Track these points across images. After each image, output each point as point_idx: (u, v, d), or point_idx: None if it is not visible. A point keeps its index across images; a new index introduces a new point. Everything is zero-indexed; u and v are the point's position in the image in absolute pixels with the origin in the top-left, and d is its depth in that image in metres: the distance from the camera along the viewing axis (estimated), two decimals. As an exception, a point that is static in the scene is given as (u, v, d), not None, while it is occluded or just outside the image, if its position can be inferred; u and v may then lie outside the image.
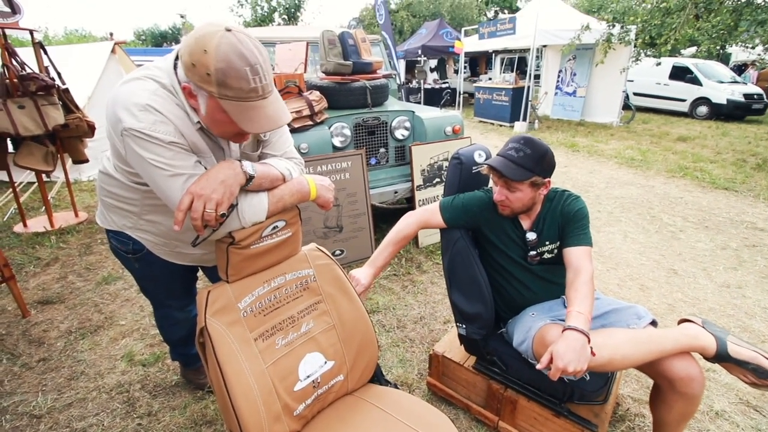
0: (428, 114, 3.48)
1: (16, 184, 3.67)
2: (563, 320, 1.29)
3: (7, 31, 3.38)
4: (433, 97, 12.81)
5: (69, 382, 2.00)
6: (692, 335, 1.22)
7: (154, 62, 1.05)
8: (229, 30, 0.87)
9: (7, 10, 3.32)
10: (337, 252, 3.06)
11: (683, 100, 10.59)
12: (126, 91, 0.96)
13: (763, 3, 6.23)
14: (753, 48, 8.51)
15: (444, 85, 13.79)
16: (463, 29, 11.83)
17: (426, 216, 1.59)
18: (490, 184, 1.64)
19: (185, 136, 1.00)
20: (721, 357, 1.19)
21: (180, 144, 0.98)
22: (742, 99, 9.71)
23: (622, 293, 2.76)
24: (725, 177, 5.29)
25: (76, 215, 4.04)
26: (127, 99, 0.94)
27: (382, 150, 3.39)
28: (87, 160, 3.87)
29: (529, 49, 8.88)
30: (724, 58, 16.43)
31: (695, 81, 10.34)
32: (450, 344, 1.87)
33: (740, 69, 15.69)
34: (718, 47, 7.21)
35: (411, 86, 12.96)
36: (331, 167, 2.93)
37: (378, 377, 1.40)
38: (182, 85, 0.96)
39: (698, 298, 2.68)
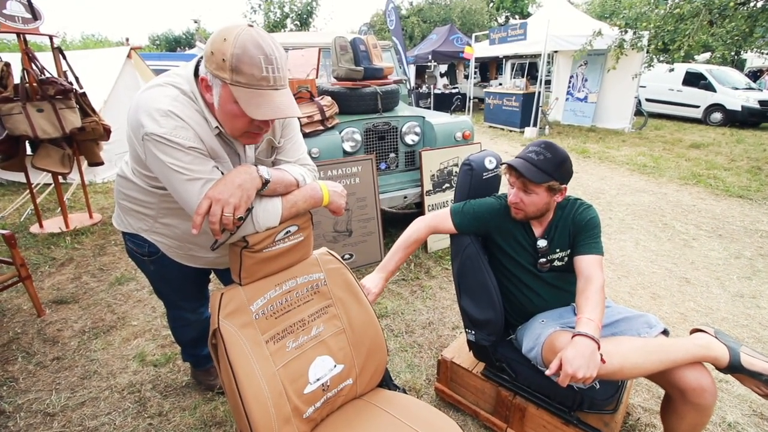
0: (438, 119, 3.49)
1: (33, 186, 3.76)
2: (573, 327, 1.28)
3: (28, 37, 3.47)
4: (443, 103, 12.83)
5: (82, 381, 2.03)
6: (704, 345, 1.20)
7: (176, 69, 1.08)
8: (251, 26, 0.93)
9: (29, 16, 3.42)
10: (347, 256, 3.07)
11: (697, 107, 10.45)
12: (148, 97, 0.99)
13: (779, 9, 6.14)
14: (768, 54, 8.41)
15: (454, 91, 13.80)
16: (473, 35, 11.85)
17: (436, 221, 1.60)
18: (501, 190, 1.65)
19: (204, 141, 1.03)
20: (734, 368, 1.18)
21: (199, 149, 1.01)
22: (758, 106, 9.54)
23: (633, 301, 2.72)
24: (739, 185, 5.20)
25: (91, 216, 4.12)
26: (149, 105, 0.97)
27: (392, 155, 3.40)
28: (102, 163, 3.95)
29: (539, 55, 8.87)
30: (739, 64, 16.21)
31: (709, 87, 10.20)
32: (459, 350, 1.86)
33: (755, 75, 15.47)
34: (732, 53, 7.11)
35: (421, 91, 12.98)
36: (342, 172, 2.96)
37: (386, 382, 1.41)
38: (200, 77, 0.99)
39: (711, 308, 2.64)
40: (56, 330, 2.43)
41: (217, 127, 1.05)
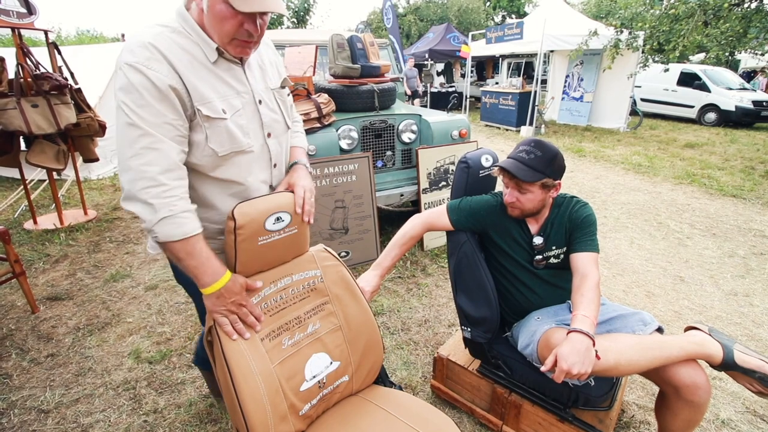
0: (435, 118, 3.49)
1: (27, 182, 3.73)
2: (568, 324, 1.29)
3: (22, 32, 3.44)
4: (440, 101, 12.82)
5: (76, 378, 2.02)
6: (698, 342, 1.21)
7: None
8: None
9: (24, 10, 3.39)
10: (343, 253, 3.07)
11: (691, 107, 10.52)
12: (134, 35, 0.98)
13: (772, 10, 6.19)
14: (763, 55, 8.46)
15: (451, 89, 13.79)
16: (470, 33, 11.85)
17: (433, 218, 1.60)
18: (497, 188, 1.65)
19: (185, 76, 0.98)
20: (728, 365, 1.19)
21: (162, 90, 0.94)
22: (751, 106, 9.62)
23: (628, 300, 2.74)
24: (733, 184, 5.25)
25: (86, 213, 4.09)
26: (131, 41, 0.96)
27: (388, 153, 3.40)
28: (97, 159, 3.93)
29: (536, 54, 8.88)
30: (733, 65, 16.31)
31: (703, 87, 10.27)
32: (455, 347, 1.87)
33: (749, 76, 15.59)
34: (726, 54, 7.14)
35: (417, 90, 12.98)
36: (338, 169, 2.95)
37: (382, 379, 1.41)
38: None
39: (705, 306, 2.66)
40: (50, 327, 2.42)
41: (217, 48, 1.02)
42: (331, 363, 1.24)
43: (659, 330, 1.32)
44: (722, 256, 3.36)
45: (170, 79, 0.95)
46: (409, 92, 10.60)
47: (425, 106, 10.55)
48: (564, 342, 1.14)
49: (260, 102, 1.15)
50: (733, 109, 9.72)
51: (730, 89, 10.13)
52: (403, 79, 4.48)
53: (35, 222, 3.81)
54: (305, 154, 1.37)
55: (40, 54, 3.62)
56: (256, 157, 1.15)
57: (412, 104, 10.55)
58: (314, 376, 1.19)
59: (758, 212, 4.33)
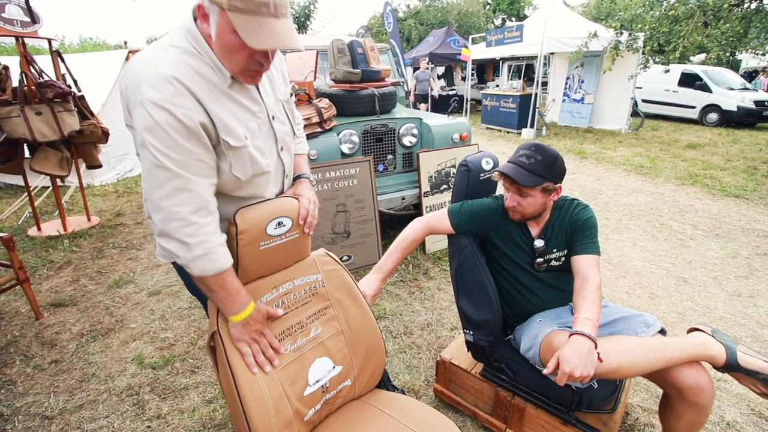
0: (435, 121, 3.50)
1: (31, 189, 3.76)
2: (571, 327, 1.29)
3: (26, 40, 3.47)
4: (441, 104, 12.84)
5: (80, 384, 2.03)
6: (701, 344, 1.21)
7: (176, 25, 1.00)
8: None
9: (27, 19, 3.42)
10: (345, 257, 3.07)
11: (692, 107, 10.51)
12: (148, 62, 0.90)
13: (773, 10, 6.19)
14: (764, 55, 8.44)
15: (451, 92, 13.83)
16: (470, 37, 11.89)
17: (434, 221, 1.61)
18: (498, 191, 1.65)
19: (208, 109, 0.94)
20: (731, 366, 1.18)
21: (191, 128, 0.90)
22: (753, 106, 9.60)
23: (631, 301, 2.73)
24: (736, 184, 5.23)
25: (89, 219, 4.11)
26: (148, 71, 0.88)
27: (389, 157, 3.41)
28: (100, 165, 3.95)
29: (536, 57, 8.90)
30: (734, 65, 16.30)
31: (704, 88, 10.26)
32: (457, 351, 1.87)
33: (751, 75, 15.56)
34: (727, 54, 7.14)
35: (432, 93, 13.02)
36: (340, 174, 2.96)
37: (385, 383, 1.41)
38: (198, 5, 0.92)
39: (709, 307, 2.65)
40: (54, 333, 2.43)
41: (231, 76, 0.98)
42: (334, 367, 1.24)
43: (662, 332, 1.32)
44: (725, 256, 3.35)
45: (197, 115, 0.91)
46: (412, 98, 10.43)
47: (453, 113, 10.55)
48: (566, 345, 1.14)
49: (273, 118, 1.14)
50: (735, 109, 9.70)
51: (732, 89, 10.12)
52: (403, 83, 4.49)
53: (39, 229, 3.84)
54: (307, 163, 1.38)
55: (44, 62, 3.66)
56: (273, 174, 1.16)
57: (427, 109, 10.23)
58: (317, 381, 1.19)
59: (761, 212, 4.31)
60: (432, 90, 10.89)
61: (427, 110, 10.11)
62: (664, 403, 1.34)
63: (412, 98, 10.17)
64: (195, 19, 0.96)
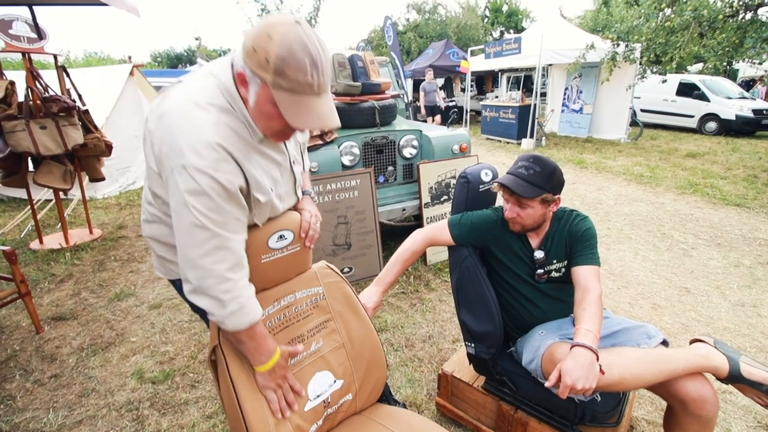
0: (435, 133, 3.53)
1: (34, 202, 3.78)
2: (572, 338, 1.28)
3: (32, 55, 3.53)
4: (441, 115, 12.91)
5: (80, 399, 2.01)
6: (704, 355, 1.20)
7: (208, 70, 0.97)
8: (298, 23, 0.86)
9: (34, 35, 3.49)
10: (346, 269, 3.07)
11: (691, 116, 10.57)
12: (189, 122, 0.88)
13: (767, 20, 6.26)
14: (760, 64, 8.52)
15: (451, 104, 13.95)
16: (469, 49, 12.04)
17: (434, 233, 1.61)
18: (498, 202, 1.66)
19: (244, 169, 0.95)
20: (734, 378, 1.17)
21: (231, 191, 0.92)
22: (752, 115, 9.66)
23: (633, 312, 2.72)
24: (736, 193, 5.23)
25: (91, 232, 4.13)
26: (191, 134, 0.87)
27: (390, 168, 3.43)
28: (103, 178, 3.98)
29: (534, 68, 8.99)
30: (732, 74, 16.43)
31: (703, 97, 10.34)
32: (459, 364, 1.86)
33: (748, 84, 15.67)
34: (724, 63, 7.21)
35: (418, 105, 13.12)
36: (340, 185, 2.98)
37: (386, 397, 1.40)
38: (237, 72, 0.91)
39: (712, 317, 2.63)
40: (54, 347, 2.42)
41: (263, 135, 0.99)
42: (335, 381, 1.23)
43: (664, 343, 1.31)
44: (728, 266, 3.33)
45: (237, 178, 0.93)
46: (423, 111, 9.83)
47: (426, 121, 10.57)
48: (567, 357, 1.14)
49: (294, 162, 1.16)
50: (734, 118, 9.75)
51: (730, 98, 10.19)
52: (403, 95, 4.54)
53: (41, 242, 3.85)
54: (309, 177, 1.39)
55: (50, 76, 3.71)
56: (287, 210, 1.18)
57: (441, 123, 9.93)
58: (318, 396, 1.19)
59: (762, 221, 4.31)
60: (440, 102, 10.47)
61: (442, 124, 9.84)
62: (668, 416, 1.33)
63: (423, 111, 9.74)
64: (233, 79, 0.93)
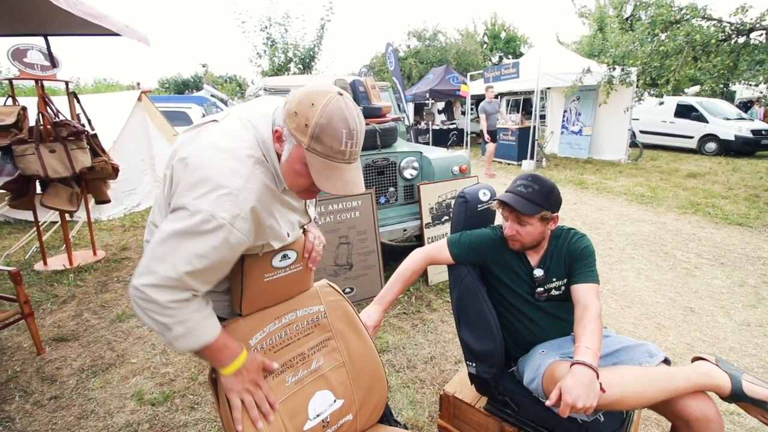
0: (435, 154, 3.59)
1: (40, 224, 3.83)
2: (572, 357, 1.28)
3: (44, 82, 3.66)
4: (442, 138, 13.13)
5: (79, 420, 2.00)
6: (705, 373, 1.19)
7: (248, 119, 0.98)
8: (341, 94, 0.90)
9: (47, 63, 3.62)
10: (347, 290, 3.07)
11: (691, 137, 10.68)
12: (223, 168, 0.89)
13: (759, 44, 6.42)
14: (756, 85, 8.67)
15: (451, 126, 14.18)
16: (468, 74, 12.31)
17: (434, 252, 1.63)
18: (496, 221, 1.68)
19: (262, 222, 0.97)
20: (737, 396, 1.16)
21: (237, 247, 0.93)
22: (751, 135, 9.76)
23: (638, 332, 2.69)
24: (738, 213, 5.24)
25: (95, 254, 4.16)
26: (220, 181, 0.87)
27: (391, 189, 3.48)
28: (109, 201, 4.05)
29: (533, 91, 9.17)
30: (729, 96, 16.66)
31: (701, 118, 10.48)
32: (461, 384, 1.83)
33: (746, 106, 15.86)
34: (720, 85, 7.36)
35: (420, 127, 13.35)
36: (342, 206, 3.02)
37: (387, 418, 1.39)
38: (275, 129, 0.94)
39: (717, 337, 2.60)
40: (55, 368, 2.41)
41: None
42: (335, 401, 1.23)
43: (666, 361, 1.30)
44: (732, 285, 3.31)
45: (248, 237, 0.93)
46: (487, 136, 8.41)
47: (428, 143, 10.65)
48: (567, 375, 1.13)
49: (308, 205, 1.21)
50: (733, 138, 9.85)
51: (728, 119, 10.32)
52: (404, 118, 4.63)
53: (45, 263, 3.88)
54: (313, 203, 1.42)
55: (61, 102, 3.83)
56: None
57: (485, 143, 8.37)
58: (318, 415, 1.18)
59: (765, 240, 4.29)
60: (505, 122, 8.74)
61: (542, 159, 8.37)
62: (673, 436, 1.31)
63: (487, 136, 8.32)
64: (272, 133, 0.96)
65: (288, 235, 1.08)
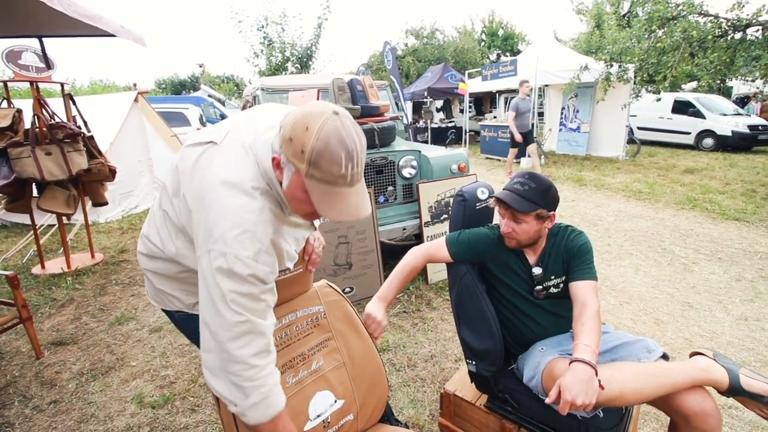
0: (434, 153, 3.59)
1: (37, 227, 3.81)
2: (571, 354, 1.28)
3: (39, 84, 3.64)
4: (440, 136, 13.13)
5: (79, 425, 1.99)
6: (703, 368, 1.20)
7: (249, 144, 0.96)
8: (336, 113, 0.85)
9: (42, 65, 3.60)
10: (347, 289, 3.07)
11: (688, 133, 10.70)
12: (234, 208, 0.88)
13: (756, 39, 6.43)
14: (753, 81, 8.70)
15: (450, 125, 14.18)
16: (466, 72, 12.31)
17: (432, 249, 1.63)
18: (494, 220, 1.69)
19: (277, 250, 0.97)
20: (735, 390, 1.17)
21: (268, 282, 0.94)
22: (747, 130, 9.79)
23: (636, 328, 2.70)
24: (735, 208, 5.25)
25: (93, 256, 4.15)
26: (236, 222, 0.88)
27: (390, 188, 3.48)
28: (106, 203, 4.04)
29: (531, 88, 9.17)
30: (726, 91, 16.70)
31: (698, 114, 10.50)
32: (461, 382, 1.84)
33: (743, 101, 15.91)
34: (717, 81, 7.37)
35: (418, 126, 13.35)
36: (340, 206, 3.01)
37: (388, 417, 1.39)
38: (273, 156, 0.91)
39: (715, 332, 2.61)
40: (54, 372, 2.40)
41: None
42: (336, 401, 1.23)
43: (664, 356, 1.31)
44: (729, 280, 3.32)
45: (274, 268, 0.94)
46: (518, 136, 7.13)
47: (426, 142, 10.64)
48: (566, 372, 1.14)
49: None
50: (730, 134, 9.88)
51: (725, 115, 10.34)
52: (402, 116, 4.63)
53: (43, 267, 3.86)
54: None
55: (56, 104, 3.81)
56: None
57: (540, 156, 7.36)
58: (318, 416, 1.18)
59: (762, 235, 4.31)
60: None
61: (541, 156, 7.50)
62: (672, 431, 1.31)
63: (518, 137, 7.07)
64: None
65: (296, 251, 1.10)
